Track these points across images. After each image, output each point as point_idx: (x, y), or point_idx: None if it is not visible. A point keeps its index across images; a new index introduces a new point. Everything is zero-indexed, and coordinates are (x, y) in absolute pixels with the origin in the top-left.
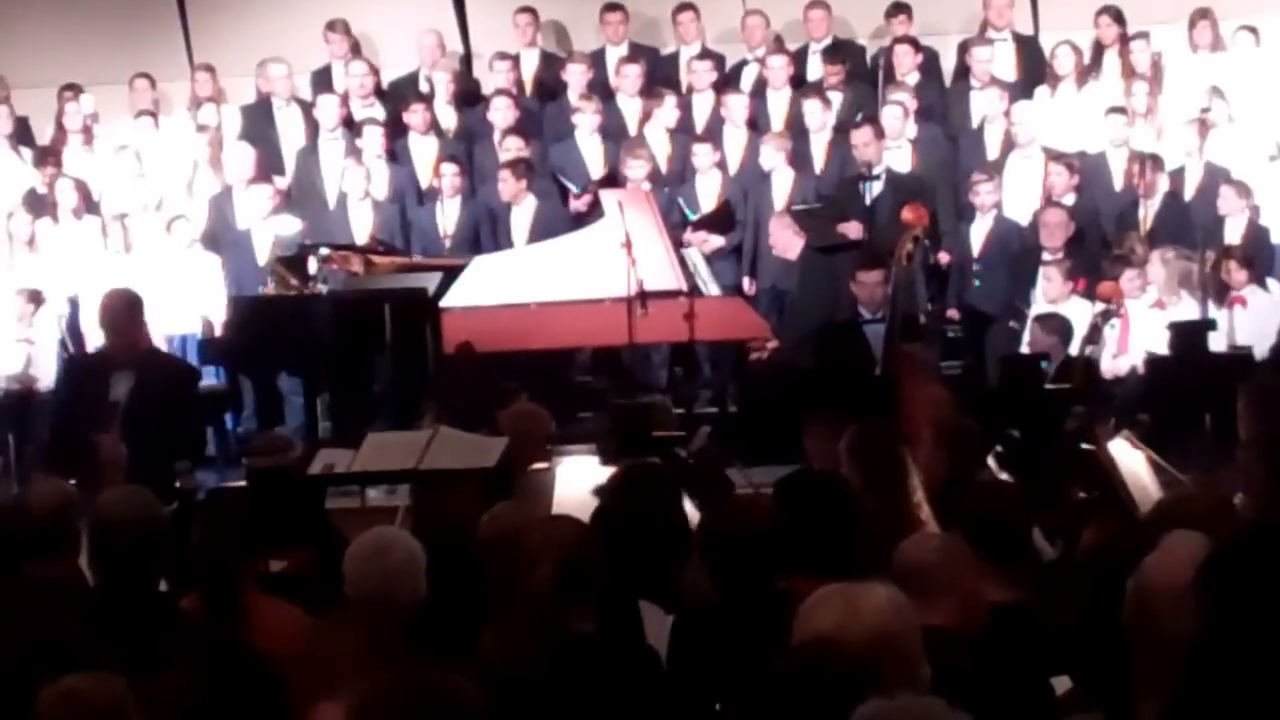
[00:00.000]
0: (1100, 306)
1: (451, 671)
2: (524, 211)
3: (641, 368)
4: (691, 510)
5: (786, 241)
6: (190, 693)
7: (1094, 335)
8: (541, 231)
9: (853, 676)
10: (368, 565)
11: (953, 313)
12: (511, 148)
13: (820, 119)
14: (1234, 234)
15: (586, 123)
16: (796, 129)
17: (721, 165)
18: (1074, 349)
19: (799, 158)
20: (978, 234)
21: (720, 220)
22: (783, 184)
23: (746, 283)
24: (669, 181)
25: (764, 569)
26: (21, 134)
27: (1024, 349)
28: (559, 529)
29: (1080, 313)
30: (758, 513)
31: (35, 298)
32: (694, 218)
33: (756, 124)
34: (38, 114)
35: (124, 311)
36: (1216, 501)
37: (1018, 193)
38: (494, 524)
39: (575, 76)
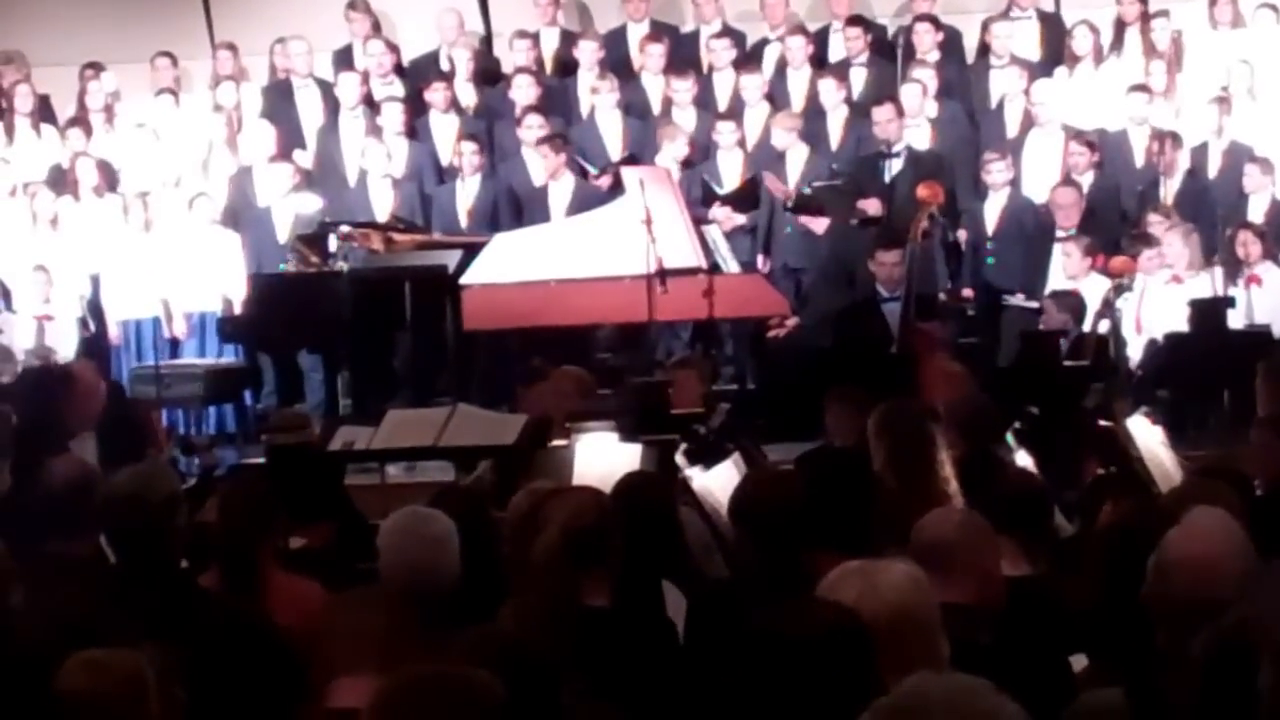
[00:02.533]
0: (1113, 281)
1: (470, 650)
2: (562, 188)
3: (664, 344)
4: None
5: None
6: (208, 668)
7: (1106, 310)
8: (579, 208)
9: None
10: (403, 542)
11: (967, 292)
12: (533, 125)
13: (836, 97)
14: (1257, 211)
15: (605, 101)
16: (815, 107)
17: (742, 144)
18: (1088, 325)
19: (815, 136)
20: (992, 212)
21: (746, 197)
22: (797, 162)
23: (760, 260)
24: (691, 159)
25: (794, 543)
26: (44, 112)
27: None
28: (571, 497)
29: (1099, 289)
30: (789, 487)
31: (47, 273)
32: (722, 193)
33: (776, 101)
34: (60, 92)
35: (92, 388)
36: (1237, 479)
37: (1037, 171)
38: (525, 499)
39: (587, 55)
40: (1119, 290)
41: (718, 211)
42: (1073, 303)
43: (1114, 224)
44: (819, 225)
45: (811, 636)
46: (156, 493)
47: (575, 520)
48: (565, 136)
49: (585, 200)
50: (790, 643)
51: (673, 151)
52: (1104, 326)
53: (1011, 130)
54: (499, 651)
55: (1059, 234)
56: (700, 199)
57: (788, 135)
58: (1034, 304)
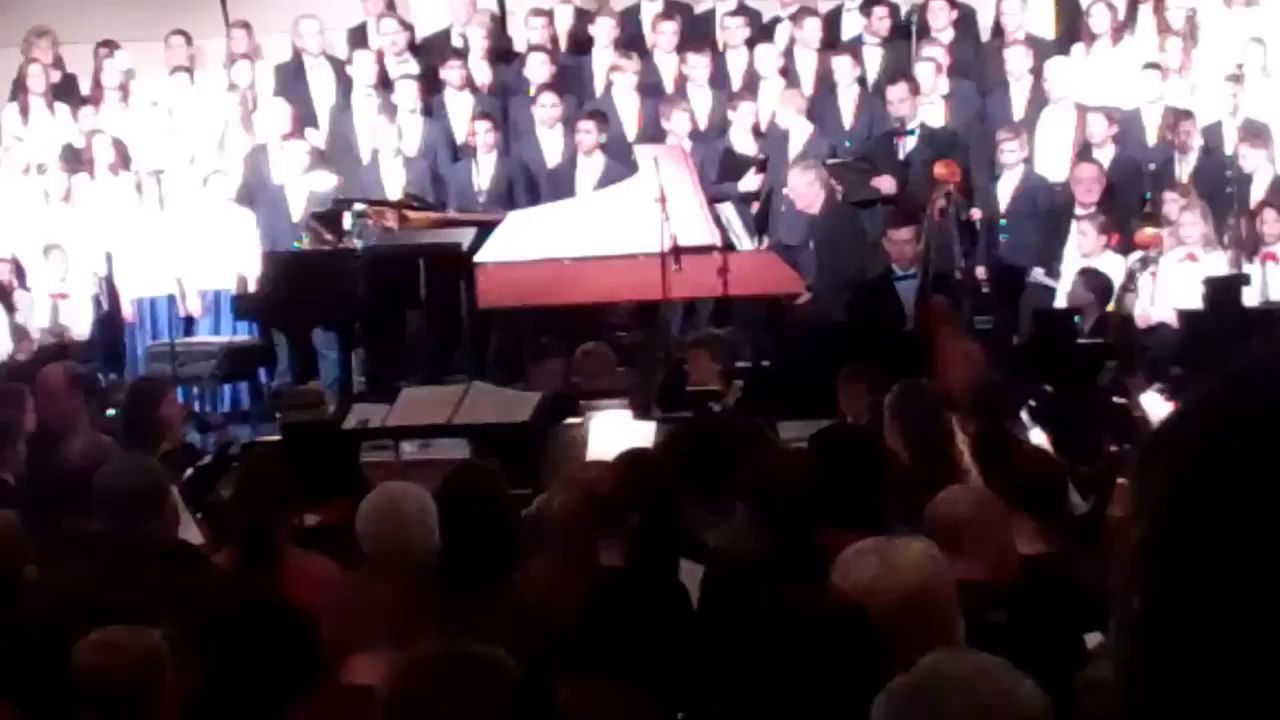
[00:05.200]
0: (1137, 254)
1: (482, 620)
2: (593, 164)
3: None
4: None
5: (812, 196)
6: (224, 644)
7: (1131, 283)
8: (606, 185)
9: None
10: (380, 520)
11: (980, 271)
12: (547, 103)
13: (850, 75)
14: (1269, 188)
15: (625, 80)
16: (826, 85)
17: (757, 128)
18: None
19: (827, 114)
20: (1005, 190)
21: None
22: (801, 141)
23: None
24: (707, 138)
25: (806, 520)
26: (59, 90)
27: (1062, 303)
28: (590, 468)
29: (1114, 267)
30: (801, 466)
31: (60, 251)
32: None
33: (789, 78)
34: (75, 70)
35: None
36: None
37: (1049, 149)
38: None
39: (603, 32)
40: (1145, 263)
41: (751, 179)
42: (1100, 281)
43: (1134, 202)
44: (815, 205)
45: (813, 621)
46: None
47: (597, 485)
48: (605, 115)
49: (614, 180)
50: (792, 627)
51: (677, 126)
52: (1129, 301)
53: (1019, 108)
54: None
55: (1079, 211)
56: (725, 171)
57: (788, 112)
58: (1051, 281)
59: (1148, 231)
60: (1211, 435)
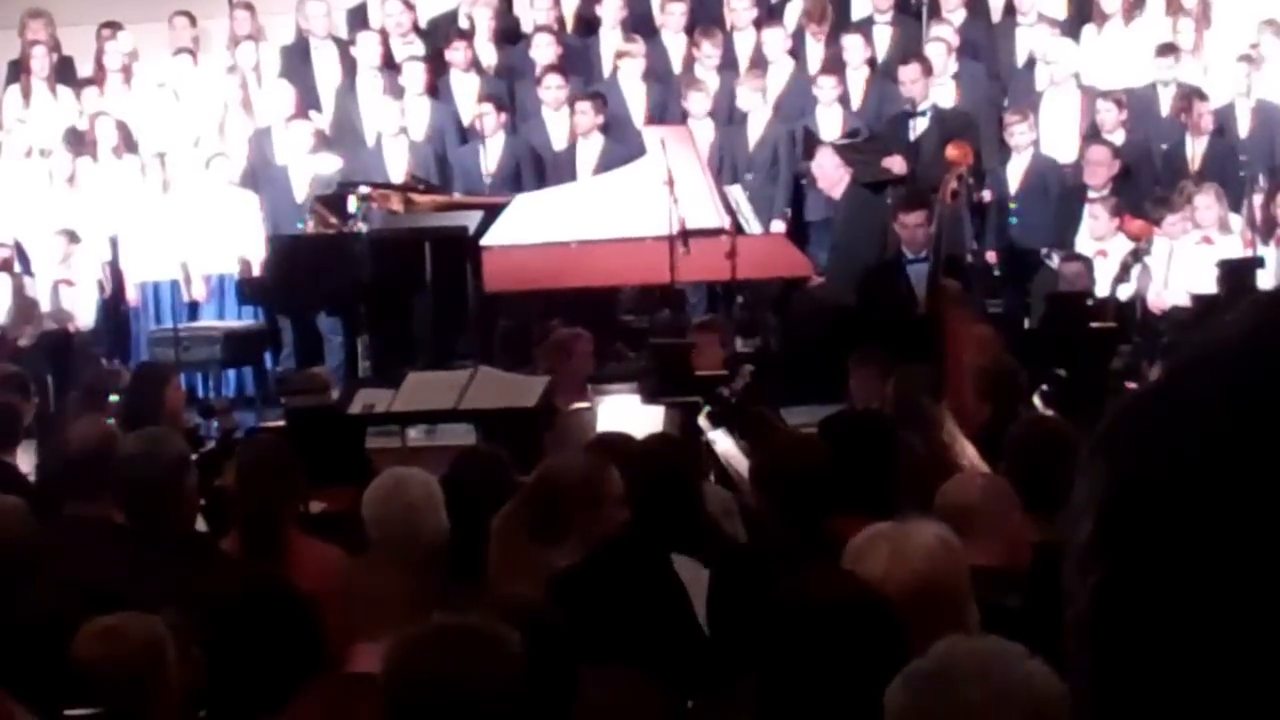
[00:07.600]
0: (1130, 245)
1: (488, 610)
2: (591, 146)
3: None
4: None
5: (836, 177)
6: (228, 632)
7: (1124, 274)
8: (606, 168)
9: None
10: (387, 505)
11: (990, 255)
12: (552, 85)
13: (860, 56)
14: None
15: (633, 65)
16: (836, 66)
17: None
18: (1101, 288)
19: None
20: (1015, 172)
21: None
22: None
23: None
24: (717, 120)
25: (817, 507)
26: (61, 73)
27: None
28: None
29: (1125, 250)
30: (812, 452)
31: (72, 237)
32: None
33: (798, 58)
34: (78, 52)
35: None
36: None
37: (1055, 130)
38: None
39: (609, 13)
40: (1137, 255)
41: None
42: (1079, 264)
43: (1145, 184)
44: (838, 188)
45: (837, 608)
46: (166, 453)
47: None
48: (604, 97)
49: (613, 161)
50: (814, 614)
51: (695, 106)
52: (1123, 291)
53: (1041, 89)
54: (517, 614)
55: (1091, 194)
56: (802, 152)
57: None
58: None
59: (1139, 223)
60: (1157, 426)
